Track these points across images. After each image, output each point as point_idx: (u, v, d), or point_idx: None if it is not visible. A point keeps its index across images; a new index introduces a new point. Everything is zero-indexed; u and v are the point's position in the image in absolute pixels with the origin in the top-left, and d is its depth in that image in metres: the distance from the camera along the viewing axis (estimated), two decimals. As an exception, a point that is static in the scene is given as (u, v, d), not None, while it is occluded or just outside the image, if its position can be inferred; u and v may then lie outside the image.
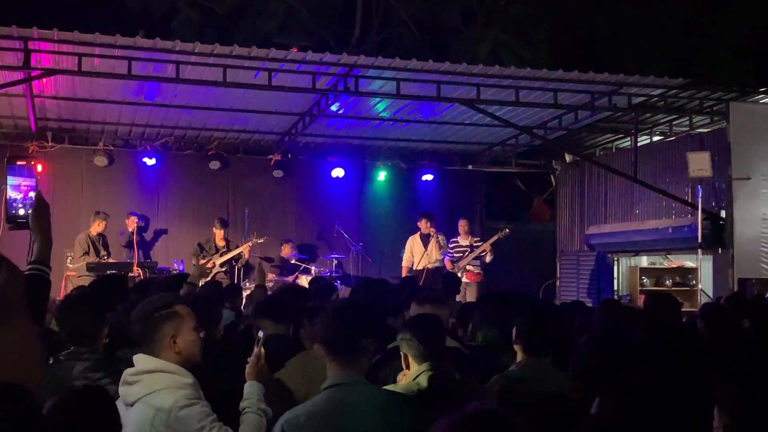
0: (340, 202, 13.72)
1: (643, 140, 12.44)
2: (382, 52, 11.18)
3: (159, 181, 13.13)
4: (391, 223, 13.66)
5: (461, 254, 11.86)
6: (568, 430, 2.63)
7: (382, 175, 13.95)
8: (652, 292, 10.63)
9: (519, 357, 3.80)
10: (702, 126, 11.79)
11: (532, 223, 15.75)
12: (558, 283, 13.91)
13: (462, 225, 12.17)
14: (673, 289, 10.88)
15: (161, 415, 2.95)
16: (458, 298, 9.02)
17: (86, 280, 9.36)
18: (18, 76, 9.24)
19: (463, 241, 12.03)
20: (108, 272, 9.85)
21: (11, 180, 3.57)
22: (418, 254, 11.92)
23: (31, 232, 3.03)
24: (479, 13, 19.13)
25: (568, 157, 14.03)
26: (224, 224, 12.33)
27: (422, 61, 9.53)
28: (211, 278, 10.91)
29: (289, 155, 13.50)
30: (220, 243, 12.16)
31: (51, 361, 3.77)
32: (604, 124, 12.56)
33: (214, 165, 13.04)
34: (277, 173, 13.30)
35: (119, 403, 3.00)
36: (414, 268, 11.82)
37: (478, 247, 11.79)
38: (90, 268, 10.50)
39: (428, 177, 14.07)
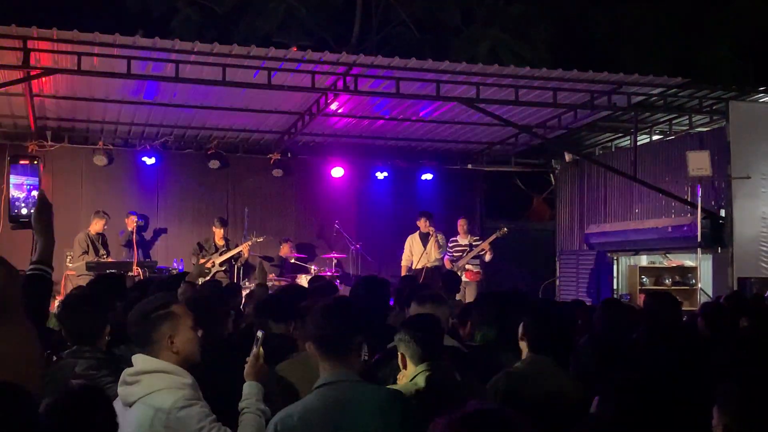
0: (340, 202, 13.71)
1: (643, 139, 12.44)
2: (382, 51, 11.18)
3: (158, 180, 13.12)
4: (390, 223, 13.64)
5: (460, 253, 11.85)
6: (568, 429, 2.64)
7: (381, 175, 13.95)
8: (652, 291, 10.63)
9: (524, 354, 3.82)
10: (701, 125, 11.79)
11: (531, 223, 15.75)
12: (557, 282, 13.92)
13: (461, 224, 12.17)
14: (673, 288, 10.87)
15: (160, 415, 2.95)
16: (458, 297, 9.02)
17: (85, 280, 9.35)
18: (17, 75, 9.24)
19: (463, 240, 12.02)
20: (107, 271, 9.84)
21: (14, 179, 3.58)
22: (417, 253, 11.92)
23: (33, 232, 3.03)
24: (479, 13, 19.13)
25: (567, 157, 14.03)
26: (224, 223, 12.32)
27: (421, 61, 9.53)
28: (211, 277, 10.91)
29: (289, 154, 13.50)
30: (220, 242, 12.16)
31: (54, 359, 3.78)
32: (604, 123, 12.56)
33: (214, 164, 13.04)
34: (277, 172, 13.30)
35: (118, 403, 3.01)
36: (413, 267, 11.81)
37: (477, 246, 11.79)
38: (89, 267, 10.50)
39: (428, 176, 14.08)
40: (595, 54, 16.68)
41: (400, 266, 12.28)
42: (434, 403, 3.08)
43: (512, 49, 17.94)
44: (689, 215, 10.85)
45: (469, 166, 14.48)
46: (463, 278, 11.11)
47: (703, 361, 3.87)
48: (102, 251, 11.35)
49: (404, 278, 9.73)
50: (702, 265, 10.67)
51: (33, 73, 9.11)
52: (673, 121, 12.09)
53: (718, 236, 10.54)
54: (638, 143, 11.59)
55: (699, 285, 10.42)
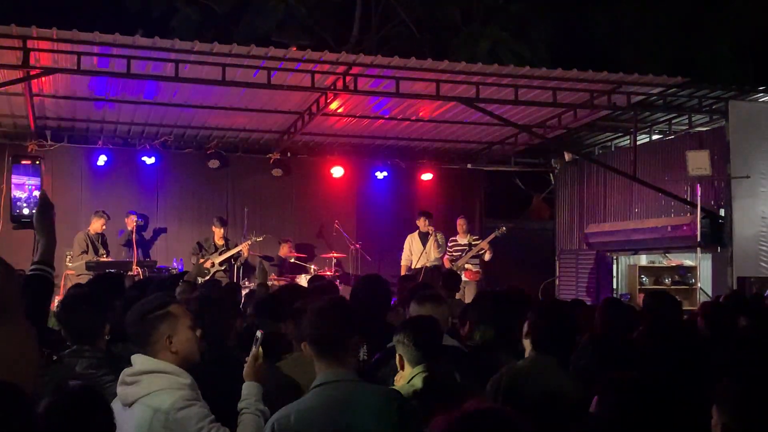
0: (340, 201, 13.72)
1: (643, 139, 12.44)
2: (381, 51, 11.19)
3: (158, 179, 13.11)
4: (390, 222, 13.65)
5: (460, 253, 11.86)
6: (568, 428, 2.64)
7: (381, 174, 13.94)
8: (652, 290, 10.63)
9: (527, 352, 3.85)
10: (701, 124, 11.79)
11: (531, 222, 15.75)
12: (557, 281, 13.92)
13: (460, 223, 12.18)
14: (673, 287, 10.87)
15: (159, 416, 2.95)
16: (457, 296, 9.02)
17: (85, 279, 9.36)
18: (17, 75, 9.25)
19: (462, 239, 12.03)
20: (106, 271, 9.85)
21: (16, 179, 3.57)
22: (416, 253, 11.92)
23: (35, 232, 3.02)
24: (478, 12, 19.12)
25: (567, 156, 14.03)
26: (223, 223, 12.32)
27: (421, 60, 9.53)
28: (211, 277, 10.91)
29: (289, 154, 13.50)
30: (219, 242, 12.16)
31: (54, 359, 3.78)
32: (604, 123, 12.55)
33: (214, 164, 13.04)
34: (277, 172, 13.30)
35: (117, 404, 3.01)
36: (413, 267, 11.81)
37: (476, 245, 11.80)
38: (89, 267, 10.51)
39: (427, 176, 14.08)
40: (594, 53, 16.65)
41: (400, 266, 12.29)
42: (432, 404, 3.08)
43: (512, 48, 17.91)
44: (689, 215, 10.85)
45: (469, 166, 14.48)
46: (463, 278, 11.11)
47: (702, 360, 3.88)
48: (102, 251, 11.36)
49: (403, 278, 9.75)
50: (701, 264, 10.68)
51: (33, 72, 9.11)
52: (673, 121, 12.09)
53: (717, 236, 10.54)
54: (638, 143, 11.59)
55: (698, 284, 10.43)
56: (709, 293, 10.37)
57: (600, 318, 5.12)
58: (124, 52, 8.87)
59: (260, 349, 3.37)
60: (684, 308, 7.46)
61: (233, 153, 13.34)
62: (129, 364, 3.15)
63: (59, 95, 10.76)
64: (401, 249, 12.35)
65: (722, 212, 10.73)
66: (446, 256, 11.95)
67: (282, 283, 10.78)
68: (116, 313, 4.50)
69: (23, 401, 1.55)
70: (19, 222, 3.29)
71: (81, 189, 12.67)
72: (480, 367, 4.07)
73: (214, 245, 12.12)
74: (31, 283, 3.20)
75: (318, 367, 3.02)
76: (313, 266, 12.46)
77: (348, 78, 9.82)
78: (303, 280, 10.63)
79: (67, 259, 11.05)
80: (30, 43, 8.61)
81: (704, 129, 11.73)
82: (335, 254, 12.76)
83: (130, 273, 10.49)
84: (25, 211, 3.43)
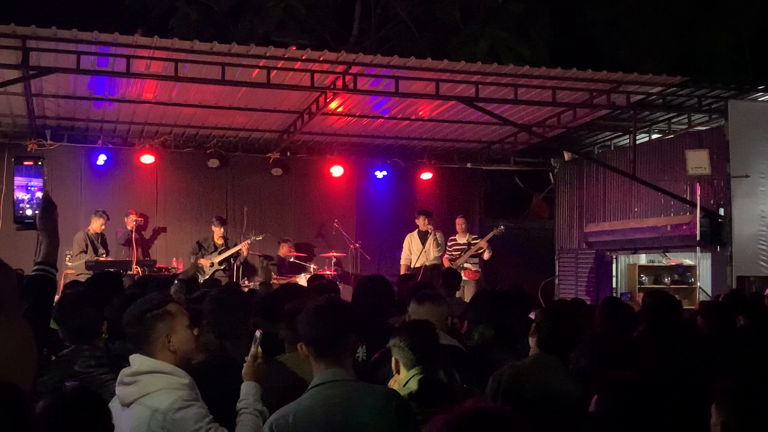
0: (339, 200, 13.72)
1: (642, 138, 12.44)
2: (381, 50, 11.19)
3: (158, 179, 13.11)
4: (389, 221, 13.65)
5: (459, 252, 11.86)
6: (567, 427, 2.63)
7: (380, 173, 13.94)
8: (651, 290, 10.64)
9: (532, 350, 3.86)
10: (700, 124, 11.79)
11: (530, 221, 15.75)
12: (557, 281, 13.93)
13: (459, 223, 12.18)
14: (672, 286, 10.89)
15: (157, 416, 2.95)
16: (457, 295, 9.02)
17: (84, 279, 9.36)
18: (17, 74, 9.24)
19: (461, 238, 12.03)
20: (104, 270, 9.85)
21: (18, 180, 3.55)
22: (416, 252, 11.92)
23: (38, 233, 3.02)
24: (477, 11, 19.12)
25: (566, 155, 14.03)
26: (223, 222, 12.33)
27: (421, 59, 9.52)
28: (210, 276, 10.92)
29: (288, 153, 13.50)
30: (219, 241, 12.16)
31: (53, 359, 3.78)
32: (603, 122, 12.55)
33: (213, 163, 13.04)
34: (276, 171, 13.30)
35: (115, 404, 3.00)
36: (412, 266, 11.82)
37: (475, 244, 11.80)
38: (89, 266, 10.51)
39: (427, 175, 14.07)
40: (594, 53, 16.66)
41: (399, 265, 12.29)
42: (427, 406, 3.08)
43: (511, 47, 17.93)
44: (688, 214, 10.85)
45: (469, 165, 14.48)
46: (462, 277, 11.12)
47: (702, 360, 3.88)
48: (101, 250, 11.37)
49: (403, 277, 9.74)
50: (701, 263, 10.69)
51: (32, 72, 9.11)
52: (672, 120, 12.08)
53: (716, 235, 10.54)
54: (637, 142, 11.58)
55: (698, 284, 10.44)
56: (709, 292, 10.38)
57: (600, 317, 5.13)
58: (123, 52, 8.86)
59: (259, 348, 3.36)
60: (683, 307, 7.47)
61: (233, 152, 13.34)
62: (128, 362, 3.14)
63: (59, 95, 10.75)
64: (401, 248, 12.36)
65: (721, 211, 10.73)
66: (445, 256, 11.95)
67: (282, 282, 10.78)
68: (114, 311, 4.50)
69: (21, 401, 1.55)
70: (22, 223, 3.27)
71: (80, 188, 12.67)
72: (479, 366, 4.06)
73: (214, 245, 12.12)
74: (34, 284, 3.19)
75: (316, 368, 3.02)
76: (312, 265, 12.46)
77: (347, 77, 9.82)
78: (302, 280, 10.63)
79: (67, 259, 11.05)
80: (29, 43, 8.60)
81: (703, 128, 11.73)
82: (335, 253, 12.76)
83: (129, 272, 10.50)
84: (29, 213, 3.41)
